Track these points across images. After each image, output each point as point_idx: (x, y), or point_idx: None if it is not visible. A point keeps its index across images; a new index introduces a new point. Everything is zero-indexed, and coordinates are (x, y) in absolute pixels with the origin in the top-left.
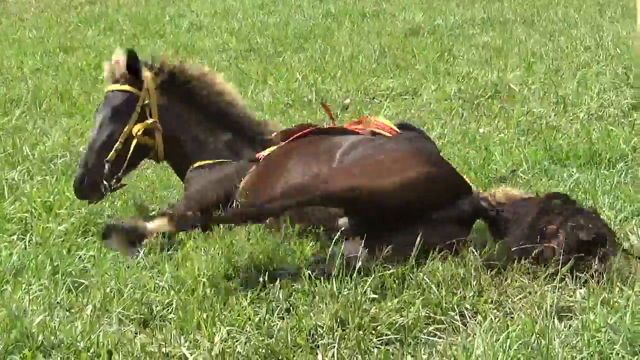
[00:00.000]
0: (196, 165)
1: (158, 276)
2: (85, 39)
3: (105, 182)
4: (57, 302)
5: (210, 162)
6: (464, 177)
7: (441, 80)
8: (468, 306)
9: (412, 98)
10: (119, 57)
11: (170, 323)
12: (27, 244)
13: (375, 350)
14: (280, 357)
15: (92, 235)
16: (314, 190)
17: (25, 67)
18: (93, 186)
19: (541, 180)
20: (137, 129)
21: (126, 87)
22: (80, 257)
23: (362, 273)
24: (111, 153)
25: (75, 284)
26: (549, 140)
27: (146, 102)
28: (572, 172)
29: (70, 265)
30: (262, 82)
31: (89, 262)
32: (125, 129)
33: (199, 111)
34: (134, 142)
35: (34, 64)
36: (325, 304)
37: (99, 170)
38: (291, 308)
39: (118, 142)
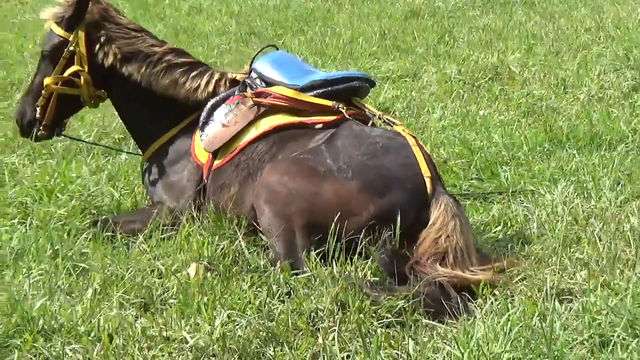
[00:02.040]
0: (152, 151)
1: (158, 260)
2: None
3: (36, 127)
4: (58, 286)
5: (167, 139)
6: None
7: (441, 62)
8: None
9: (413, 81)
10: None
11: (170, 307)
12: (27, 228)
13: (376, 332)
14: (280, 341)
15: (92, 219)
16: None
17: (26, 51)
18: (25, 129)
19: (542, 162)
20: (50, 80)
21: (59, 31)
22: (80, 240)
23: (362, 256)
24: (40, 99)
25: (76, 268)
26: (550, 122)
27: (73, 48)
28: (573, 153)
29: (70, 249)
30: None
31: (89, 246)
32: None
33: (142, 61)
34: (54, 93)
35: (34, 48)
36: (326, 287)
37: (32, 113)
38: (292, 291)
39: (44, 90)
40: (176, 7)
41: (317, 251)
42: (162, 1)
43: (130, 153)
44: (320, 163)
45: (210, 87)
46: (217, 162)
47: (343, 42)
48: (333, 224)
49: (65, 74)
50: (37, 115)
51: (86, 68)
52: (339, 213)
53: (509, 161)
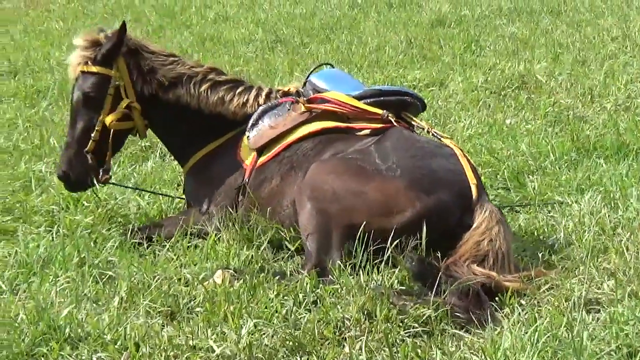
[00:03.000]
0: (193, 161)
1: (185, 268)
2: (112, 30)
3: (91, 174)
4: (84, 294)
5: (207, 151)
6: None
7: (468, 71)
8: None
9: (439, 89)
10: (107, 33)
11: (197, 315)
12: (54, 236)
13: (403, 342)
14: (307, 350)
15: (118, 227)
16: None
17: (52, 59)
18: (80, 180)
19: (569, 171)
20: (110, 119)
21: (97, 69)
22: (106, 249)
23: (389, 265)
24: (90, 144)
25: (102, 276)
26: (576, 131)
27: (118, 82)
28: (600, 163)
29: (97, 257)
30: (288, 74)
31: (115, 254)
32: (100, 117)
33: (179, 83)
34: (112, 132)
35: (61, 56)
36: (352, 296)
37: (82, 162)
38: (318, 300)
39: (95, 132)
40: (202, 15)
41: (360, 253)
42: (189, 9)
43: (178, 197)
44: (369, 163)
45: (261, 100)
46: (261, 160)
47: (369, 51)
48: (376, 223)
49: (121, 108)
50: (90, 162)
51: (134, 98)
52: (384, 210)
53: (535, 170)
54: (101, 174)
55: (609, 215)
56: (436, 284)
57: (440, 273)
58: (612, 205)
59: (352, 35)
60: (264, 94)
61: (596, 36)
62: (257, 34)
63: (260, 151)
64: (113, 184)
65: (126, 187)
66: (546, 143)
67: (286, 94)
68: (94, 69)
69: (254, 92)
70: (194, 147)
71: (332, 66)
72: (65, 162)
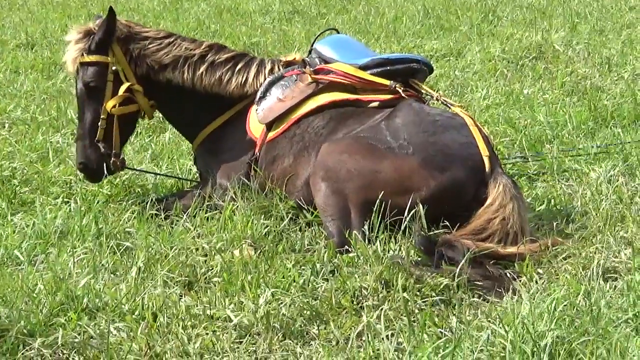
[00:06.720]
0: (203, 136)
1: (202, 238)
2: (129, 2)
3: (106, 162)
4: (102, 265)
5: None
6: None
7: (485, 41)
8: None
9: (456, 59)
10: (95, 23)
11: (214, 285)
12: (71, 207)
13: (420, 311)
14: (325, 319)
15: (135, 198)
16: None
17: (69, 31)
18: (98, 169)
19: (586, 140)
20: (112, 104)
21: (93, 58)
22: (124, 219)
23: (406, 234)
24: (99, 132)
25: (120, 247)
26: (594, 100)
27: (115, 68)
28: (618, 132)
29: (114, 228)
30: (305, 45)
31: (133, 225)
32: (104, 105)
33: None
34: (115, 118)
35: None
36: (370, 265)
37: (96, 152)
38: (335, 270)
39: (101, 120)
40: None
41: (377, 224)
42: None
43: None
44: (380, 141)
45: (262, 78)
46: (271, 134)
47: (387, 21)
48: (391, 201)
49: (120, 92)
50: (103, 150)
51: (135, 80)
52: (399, 189)
53: (553, 139)
54: (113, 160)
55: (626, 184)
56: (444, 256)
57: (444, 246)
58: (629, 173)
59: (370, 5)
60: (266, 70)
61: (614, 5)
62: (274, 5)
63: (270, 125)
64: (130, 168)
65: (141, 170)
66: (564, 112)
67: (290, 63)
68: (91, 58)
69: (253, 70)
70: (202, 122)
71: (338, 31)
72: (80, 154)
